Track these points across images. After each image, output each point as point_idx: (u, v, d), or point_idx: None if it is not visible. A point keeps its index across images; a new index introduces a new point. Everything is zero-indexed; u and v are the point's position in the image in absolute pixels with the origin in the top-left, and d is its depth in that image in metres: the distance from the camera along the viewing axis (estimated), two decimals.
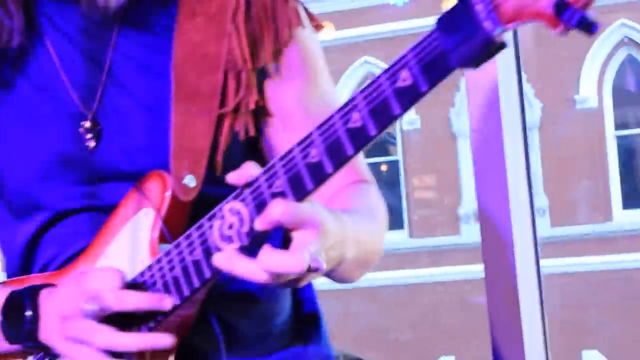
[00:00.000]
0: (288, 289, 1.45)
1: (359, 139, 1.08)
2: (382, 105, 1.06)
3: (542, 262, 1.96)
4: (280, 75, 1.39)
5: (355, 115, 1.07)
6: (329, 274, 1.24)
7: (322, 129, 1.10)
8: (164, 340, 1.23)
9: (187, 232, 1.24)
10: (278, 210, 1.11)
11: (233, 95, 1.35)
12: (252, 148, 1.40)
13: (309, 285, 1.48)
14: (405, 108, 1.05)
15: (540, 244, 1.96)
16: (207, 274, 1.21)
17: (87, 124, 1.36)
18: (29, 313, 1.28)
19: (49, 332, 1.27)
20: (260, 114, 1.38)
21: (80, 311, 1.23)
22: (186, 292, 1.23)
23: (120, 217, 1.33)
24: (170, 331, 1.25)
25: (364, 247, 1.29)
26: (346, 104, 1.08)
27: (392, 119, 1.06)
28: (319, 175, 1.11)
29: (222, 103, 1.35)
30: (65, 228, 1.39)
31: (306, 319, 1.48)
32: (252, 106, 1.36)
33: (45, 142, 1.38)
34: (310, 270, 1.11)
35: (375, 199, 1.40)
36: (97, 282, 1.24)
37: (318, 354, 1.48)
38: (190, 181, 1.30)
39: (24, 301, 1.29)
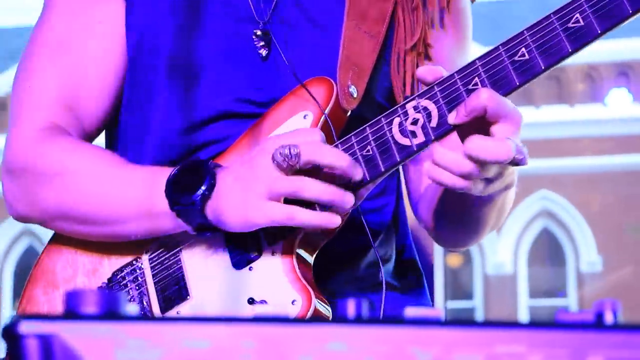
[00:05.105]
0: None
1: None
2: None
3: None
4: (444, 26, 1.46)
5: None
6: (490, 196, 1.26)
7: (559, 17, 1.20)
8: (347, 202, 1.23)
9: (358, 130, 1.27)
10: (486, 95, 1.16)
11: (410, 31, 1.41)
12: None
13: (408, 234, 1.51)
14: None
15: None
16: (381, 167, 1.24)
17: (259, 32, 1.38)
18: (207, 182, 1.24)
19: (223, 202, 1.23)
20: (424, 55, 1.44)
21: (276, 165, 1.20)
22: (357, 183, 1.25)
23: (271, 120, 1.33)
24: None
25: (513, 194, 1.34)
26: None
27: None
28: (530, 72, 1.19)
29: (390, 30, 1.41)
30: (212, 130, 1.38)
31: (407, 264, 1.50)
32: (429, 41, 1.43)
33: (213, 38, 1.39)
34: (514, 161, 1.15)
35: None
36: (298, 137, 1.23)
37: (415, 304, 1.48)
38: (354, 91, 1.34)
39: (204, 168, 1.26)
